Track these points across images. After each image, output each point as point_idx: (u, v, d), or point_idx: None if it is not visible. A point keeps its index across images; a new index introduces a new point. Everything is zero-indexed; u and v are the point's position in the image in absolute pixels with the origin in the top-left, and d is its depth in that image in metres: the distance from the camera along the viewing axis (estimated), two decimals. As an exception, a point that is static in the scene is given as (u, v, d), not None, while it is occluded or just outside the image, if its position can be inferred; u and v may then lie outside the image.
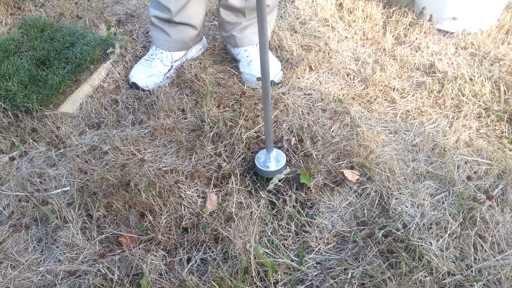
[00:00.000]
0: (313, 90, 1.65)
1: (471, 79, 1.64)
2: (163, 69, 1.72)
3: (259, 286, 1.09)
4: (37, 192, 1.33)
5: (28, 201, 1.31)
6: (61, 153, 1.45)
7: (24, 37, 1.87)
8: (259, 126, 1.49)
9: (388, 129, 1.51)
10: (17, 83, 1.60)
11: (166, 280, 1.10)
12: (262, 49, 0.98)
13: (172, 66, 1.75)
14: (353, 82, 1.70)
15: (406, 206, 1.25)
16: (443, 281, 1.07)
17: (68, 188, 1.33)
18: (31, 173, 1.38)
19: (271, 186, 1.31)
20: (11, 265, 1.16)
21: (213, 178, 1.34)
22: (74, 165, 1.39)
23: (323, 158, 1.38)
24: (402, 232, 1.18)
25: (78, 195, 1.30)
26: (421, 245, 1.13)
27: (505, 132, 1.47)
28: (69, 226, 1.22)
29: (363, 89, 1.67)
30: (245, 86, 1.68)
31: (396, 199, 1.27)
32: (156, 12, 1.64)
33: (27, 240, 1.22)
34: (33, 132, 1.51)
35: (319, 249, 1.17)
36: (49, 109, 1.59)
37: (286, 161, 1.37)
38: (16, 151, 1.46)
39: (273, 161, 1.31)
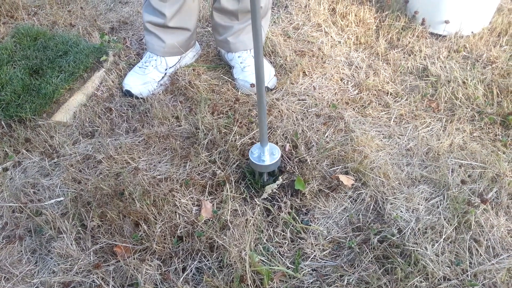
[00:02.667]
0: (307, 95, 1.66)
1: (464, 82, 1.65)
2: (157, 76, 1.72)
3: (255, 294, 1.08)
4: (31, 202, 1.32)
5: (22, 211, 1.30)
6: (55, 162, 1.45)
7: (17, 46, 1.87)
8: (253, 132, 1.49)
9: (382, 134, 1.51)
10: (10, 92, 1.59)
11: (161, 290, 1.10)
12: (256, 45, 0.96)
13: (166, 73, 1.75)
14: (347, 87, 1.70)
15: (401, 211, 1.25)
16: (439, 286, 1.07)
17: (62, 198, 1.32)
18: (25, 184, 1.38)
19: (265, 195, 1.30)
20: (4, 277, 1.15)
21: (207, 186, 1.34)
22: (68, 175, 1.38)
23: (317, 163, 1.38)
24: (397, 237, 1.18)
25: (72, 205, 1.29)
26: (416, 250, 1.13)
27: (499, 135, 1.47)
28: (63, 237, 1.21)
29: (357, 93, 1.67)
30: (239, 93, 1.68)
31: (391, 204, 1.27)
32: (151, 17, 1.64)
33: (21, 251, 1.22)
34: (26, 142, 1.50)
35: (314, 255, 1.17)
36: (43, 118, 1.58)
37: (280, 167, 1.37)
38: (9, 161, 1.45)
39: (267, 154, 1.27)
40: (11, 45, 1.85)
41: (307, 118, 1.55)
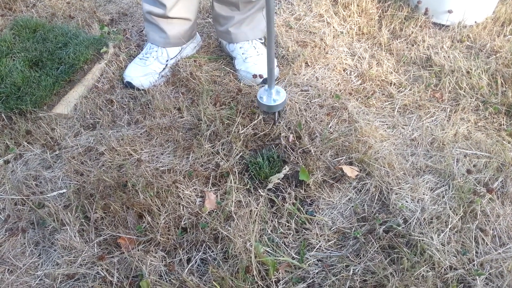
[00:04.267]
0: (310, 86, 1.64)
1: (468, 72, 1.63)
2: (158, 67, 1.70)
3: (261, 285, 1.08)
4: (33, 195, 1.31)
5: (24, 204, 1.29)
6: (57, 155, 1.43)
7: (16, 38, 1.85)
8: (256, 121, 1.47)
9: (386, 124, 1.50)
10: (10, 85, 1.57)
11: (166, 281, 1.09)
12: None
13: (167, 65, 1.73)
14: (350, 77, 1.69)
15: (406, 201, 1.24)
16: (445, 276, 1.07)
17: (64, 190, 1.31)
18: (27, 176, 1.36)
19: (270, 185, 1.29)
20: (8, 269, 1.15)
21: (211, 177, 1.33)
22: (70, 167, 1.37)
23: (321, 154, 1.37)
24: (403, 227, 1.17)
25: (75, 197, 1.28)
26: (422, 240, 1.12)
27: (503, 125, 1.46)
28: (67, 229, 1.20)
29: (360, 84, 1.66)
30: (241, 84, 1.66)
31: (396, 194, 1.26)
32: (151, 7, 1.62)
33: (24, 244, 1.21)
34: (27, 134, 1.49)
35: (320, 246, 1.17)
36: (43, 110, 1.57)
37: (284, 158, 1.36)
38: (10, 154, 1.44)
39: (276, 95, 1.39)
40: (10, 37, 1.83)
41: (310, 108, 1.54)
